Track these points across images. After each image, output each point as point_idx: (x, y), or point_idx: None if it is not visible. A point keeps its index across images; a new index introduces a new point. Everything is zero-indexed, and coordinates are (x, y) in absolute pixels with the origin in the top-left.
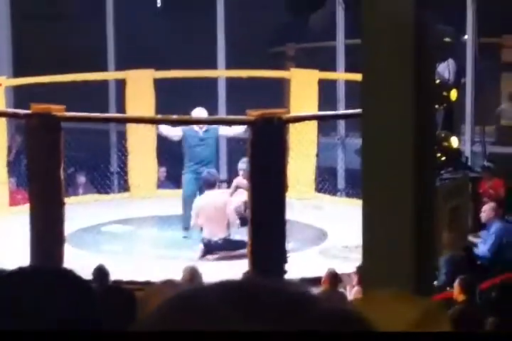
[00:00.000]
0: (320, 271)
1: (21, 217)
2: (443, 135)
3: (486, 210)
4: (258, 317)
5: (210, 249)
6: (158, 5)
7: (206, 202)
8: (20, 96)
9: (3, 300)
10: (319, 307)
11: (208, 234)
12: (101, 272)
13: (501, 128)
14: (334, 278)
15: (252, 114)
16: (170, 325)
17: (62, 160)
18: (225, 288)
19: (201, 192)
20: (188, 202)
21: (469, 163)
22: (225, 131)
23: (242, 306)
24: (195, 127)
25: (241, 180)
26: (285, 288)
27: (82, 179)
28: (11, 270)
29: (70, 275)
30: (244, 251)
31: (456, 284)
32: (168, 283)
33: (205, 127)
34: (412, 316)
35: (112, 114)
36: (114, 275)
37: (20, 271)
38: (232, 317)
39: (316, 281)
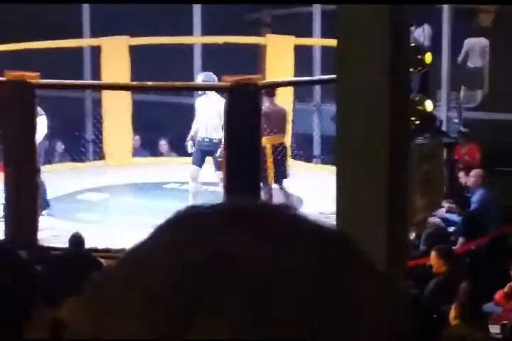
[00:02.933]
0: None
1: None
2: (417, 98)
3: (475, 176)
4: (262, 235)
5: None
6: None
7: None
8: None
9: None
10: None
11: None
12: (76, 240)
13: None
14: None
15: (228, 80)
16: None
17: (36, 128)
18: (229, 209)
19: None
20: None
21: (444, 128)
22: None
23: (246, 226)
24: None
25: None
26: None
27: (59, 146)
28: None
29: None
30: None
31: (433, 254)
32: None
33: None
34: None
35: (87, 81)
36: (89, 243)
37: None
38: (238, 236)
39: None
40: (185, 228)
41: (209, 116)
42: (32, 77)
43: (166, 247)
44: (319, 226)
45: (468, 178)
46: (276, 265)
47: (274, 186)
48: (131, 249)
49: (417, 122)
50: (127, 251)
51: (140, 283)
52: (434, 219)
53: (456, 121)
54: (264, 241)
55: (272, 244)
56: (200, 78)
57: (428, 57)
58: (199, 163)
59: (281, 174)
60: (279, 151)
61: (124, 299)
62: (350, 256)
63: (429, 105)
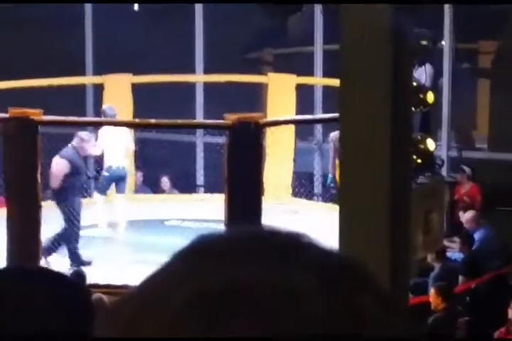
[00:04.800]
0: None
1: None
2: (419, 137)
3: (469, 220)
4: (265, 261)
5: None
6: (136, 9)
7: None
8: None
9: None
10: (317, 251)
11: None
12: (78, 276)
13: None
14: None
15: (229, 118)
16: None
17: (40, 164)
18: (241, 237)
19: None
20: None
21: (445, 167)
22: None
23: (257, 253)
24: None
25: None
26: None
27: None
28: None
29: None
30: None
31: (432, 291)
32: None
33: None
34: None
35: (90, 118)
36: (91, 279)
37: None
38: (249, 263)
39: None
40: (197, 256)
41: (117, 145)
42: (35, 114)
43: (179, 275)
44: (331, 253)
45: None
46: (286, 291)
47: None
48: (146, 277)
49: (419, 161)
50: (142, 281)
51: (154, 310)
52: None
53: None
54: (275, 267)
55: (283, 271)
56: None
57: (430, 97)
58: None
59: None
60: None
61: (140, 323)
62: (362, 280)
63: (430, 144)
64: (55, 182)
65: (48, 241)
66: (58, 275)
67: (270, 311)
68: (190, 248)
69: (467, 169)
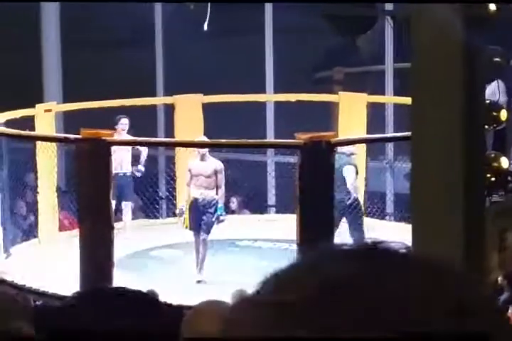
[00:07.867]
0: None
1: (70, 242)
2: (493, 155)
3: None
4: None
5: None
6: (205, 29)
7: None
8: (70, 121)
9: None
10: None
11: None
12: (151, 295)
13: None
14: None
15: (301, 137)
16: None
17: (112, 185)
18: (344, 253)
19: None
20: None
21: None
22: None
23: (364, 260)
24: None
25: None
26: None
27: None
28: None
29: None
30: None
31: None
32: (214, 304)
33: None
34: None
35: (161, 139)
36: (163, 300)
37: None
38: (355, 267)
39: None
40: (320, 262)
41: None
42: (107, 134)
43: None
44: (427, 258)
45: None
46: (380, 292)
47: None
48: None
49: (492, 179)
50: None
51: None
52: None
53: None
54: (374, 273)
55: (382, 276)
56: None
57: (503, 114)
58: None
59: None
60: None
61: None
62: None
63: (504, 162)
64: None
65: None
66: (140, 295)
67: (374, 302)
68: (314, 256)
69: None
